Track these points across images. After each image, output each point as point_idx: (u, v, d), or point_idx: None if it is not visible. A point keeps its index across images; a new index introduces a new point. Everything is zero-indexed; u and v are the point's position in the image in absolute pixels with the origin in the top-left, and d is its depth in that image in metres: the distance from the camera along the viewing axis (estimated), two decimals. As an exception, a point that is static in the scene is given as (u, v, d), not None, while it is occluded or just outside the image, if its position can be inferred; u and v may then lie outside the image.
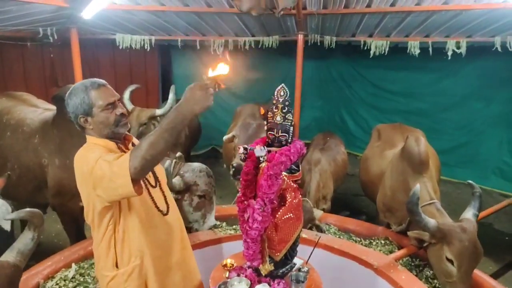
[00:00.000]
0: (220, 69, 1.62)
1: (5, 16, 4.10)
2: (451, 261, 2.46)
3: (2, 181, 2.39)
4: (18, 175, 3.29)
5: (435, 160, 3.82)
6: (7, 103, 3.62)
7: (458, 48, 5.03)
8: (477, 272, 2.63)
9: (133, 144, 1.87)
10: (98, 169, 1.51)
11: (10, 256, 1.55)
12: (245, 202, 1.92)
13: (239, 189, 1.97)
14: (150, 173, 1.84)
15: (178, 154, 3.03)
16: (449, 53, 5.08)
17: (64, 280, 2.57)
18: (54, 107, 3.36)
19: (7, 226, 1.92)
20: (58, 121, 3.20)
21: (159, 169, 1.95)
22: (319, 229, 3.32)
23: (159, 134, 1.44)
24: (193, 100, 1.46)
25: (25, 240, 1.59)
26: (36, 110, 3.55)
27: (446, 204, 5.38)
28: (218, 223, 3.28)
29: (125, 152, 1.75)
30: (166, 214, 1.87)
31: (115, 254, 1.75)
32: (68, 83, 5.12)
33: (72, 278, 2.60)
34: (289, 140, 1.91)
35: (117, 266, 1.76)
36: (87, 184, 1.59)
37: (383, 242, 3.21)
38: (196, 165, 3.01)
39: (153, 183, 1.84)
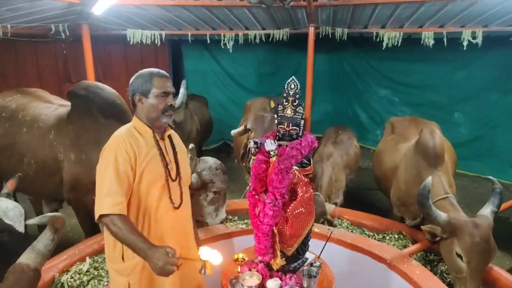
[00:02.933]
0: (215, 257, 1.73)
1: (17, 13, 4.16)
2: (460, 257, 2.42)
3: (13, 183, 2.41)
4: (35, 170, 3.34)
5: (451, 153, 3.74)
6: (22, 100, 3.67)
7: (474, 38, 4.90)
8: (493, 267, 2.58)
9: (169, 136, 1.94)
10: (101, 174, 1.71)
11: (31, 257, 1.51)
12: (256, 196, 1.91)
13: (250, 183, 1.96)
14: (174, 166, 1.88)
15: (191, 146, 3.03)
16: (465, 43, 4.95)
17: (79, 274, 2.60)
18: (68, 103, 3.39)
19: (21, 228, 1.93)
20: (73, 116, 3.24)
21: (184, 167, 1.96)
22: (331, 224, 3.30)
23: (122, 237, 1.63)
24: (153, 263, 1.56)
25: (45, 241, 1.56)
26: (50, 106, 3.60)
27: (462, 198, 5.29)
28: (230, 216, 3.30)
29: (158, 141, 1.84)
30: (178, 208, 1.86)
31: (121, 247, 1.78)
32: (81, 78, 5.20)
33: (87, 271, 2.64)
34: (300, 134, 1.89)
35: (123, 259, 1.80)
36: None
37: (396, 236, 3.16)
38: (212, 162, 3.02)
39: (173, 177, 1.85)
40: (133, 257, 1.76)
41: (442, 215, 2.50)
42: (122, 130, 1.85)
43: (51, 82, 6.58)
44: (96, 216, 1.66)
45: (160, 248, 1.58)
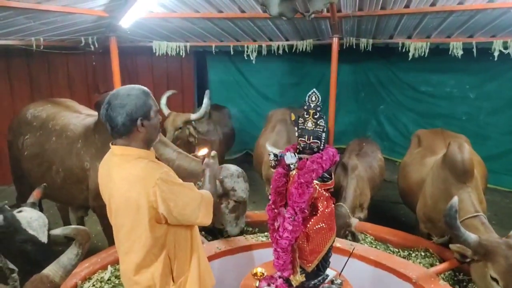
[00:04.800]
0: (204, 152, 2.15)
1: (50, 27, 4.35)
2: (496, 280, 2.28)
3: (39, 192, 2.48)
4: (62, 178, 3.44)
5: (481, 168, 3.59)
6: (52, 110, 3.81)
7: (506, 48, 4.72)
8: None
9: None
10: (189, 194, 1.71)
11: (53, 269, 1.56)
12: (276, 210, 1.88)
13: (270, 197, 1.94)
14: None
15: (213, 153, 3.04)
16: (496, 54, 4.78)
17: (100, 282, 2.64)
18: (95, 113, 3.48)
19: (44, 238, 1.97)
20: (99, 126, 3.32)
21: None
22: (354, 237, 3.21)
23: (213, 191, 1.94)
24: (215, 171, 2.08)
25: (70, 255, 1.61)
26: (79, 116, 3.71)
27: (493, 214, 5.06)
28: (250, 228, 3.27)
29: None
30: None
31: (171, 268, 1.75)
32: (109, 89, 5.34)
33: (108, 280, 2.67)
34: (321, 147, 1.86)
35: (173, 280, 1.77)
36: (155, 205, 1.61)
37: (423, 254, 3.04)
38: (234, 169, 3.02)
39: None
40: (182, 274, 1.78)
41: (472, 237, 2.38)
42: (140, 163, 1.65)
43: (81, 92, 6.81)
44: (211, 218, 1.78)
45: (210, 165, 2.06)
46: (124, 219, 1.67)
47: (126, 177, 1.63)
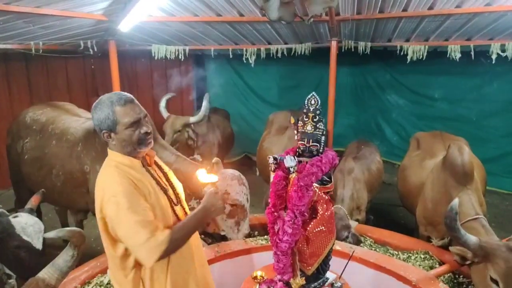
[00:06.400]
0: (211, 178, 1.82)
1: (49, 31, 4.36)
2: (496, 282, 2.28)
3: (37, 198, 2.46)
4: (63, 181, 3.43)
5: (480, 170, 3.60)
6: (52, 113, 3.80)
7: (503, 51, 4.75)
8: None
9: (155, 162, 1.82)
10: (132, 227, 1.51)
11: (49, 272, 1.54)
12: (275, 213, 1.88)
13: (269, 200, 1.93)
14: (171, 190, 1.79)
15: (215, 159, 2.98)
16: (493, 56, 4.80)
17: (100, 286, 2.63)
18: (95, 117, 3.48)
19: (38, 245, 1.95)
20: (99, 129, 3.32)
21: (178, 185, 1.88)
22: (356, 239, 3.19)
23: (189, 231, 1.67)
24: (215, 208, 1.75)
25: (66, 257, 1.59)
26: (78, 119, 3.71)
27: (493, 217, 5.07)
28: (250, 231, 3.24)
29: (149, 170, 1.72)
30: None
31: None
32: (108, 92, 5.34)
33: (107, 284, 2.65)
34: (321, 150, 1.86)
35: None
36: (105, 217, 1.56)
37: (423, 256, 3.04)
38: (229, 172, 2.95)
39: (175, 201, 1.77)
40: None
41: (472, 239, 2.38)
42: (112, 172, 1.60)
43: (80, 95, 6.80)
44: (151, 263, 1.54)
45: (208, 198, 1.72)
46: (100, 228, 1.63)
47: (98, 184, 1.64)
